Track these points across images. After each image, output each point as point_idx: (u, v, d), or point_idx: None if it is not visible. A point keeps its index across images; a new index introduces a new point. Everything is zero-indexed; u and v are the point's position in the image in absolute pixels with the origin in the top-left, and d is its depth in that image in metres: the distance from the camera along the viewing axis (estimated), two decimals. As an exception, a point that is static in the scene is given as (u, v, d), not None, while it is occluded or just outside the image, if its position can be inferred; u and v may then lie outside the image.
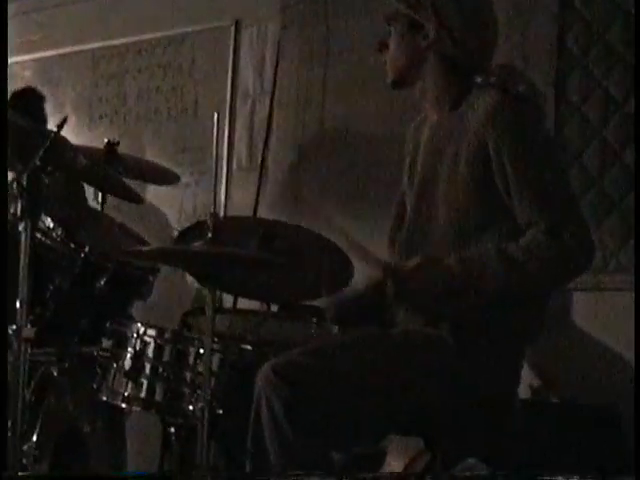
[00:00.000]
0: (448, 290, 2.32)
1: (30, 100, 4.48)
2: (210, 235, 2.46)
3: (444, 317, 2.39)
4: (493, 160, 2.36)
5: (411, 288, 2.35)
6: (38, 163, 2.61)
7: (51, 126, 4.19)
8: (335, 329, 3.04)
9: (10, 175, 3.01)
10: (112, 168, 3.62)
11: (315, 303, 3.33)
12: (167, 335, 2.83)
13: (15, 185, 2.58)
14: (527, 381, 3.30)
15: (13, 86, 5.10)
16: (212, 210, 2.50)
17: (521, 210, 2.34)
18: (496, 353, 2.39)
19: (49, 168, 2.65)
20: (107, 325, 2.96)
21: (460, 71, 2.50)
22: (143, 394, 2.80)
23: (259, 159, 4.44)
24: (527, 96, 2.43)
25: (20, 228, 2.58)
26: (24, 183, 2.56)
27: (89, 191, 4.09)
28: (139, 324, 2.86)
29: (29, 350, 2.57)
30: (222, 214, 4.13)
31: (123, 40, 5.01)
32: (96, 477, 2.97)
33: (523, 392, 2.74)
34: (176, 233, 3.15)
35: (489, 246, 2.35)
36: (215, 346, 2.67)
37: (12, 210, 2.73)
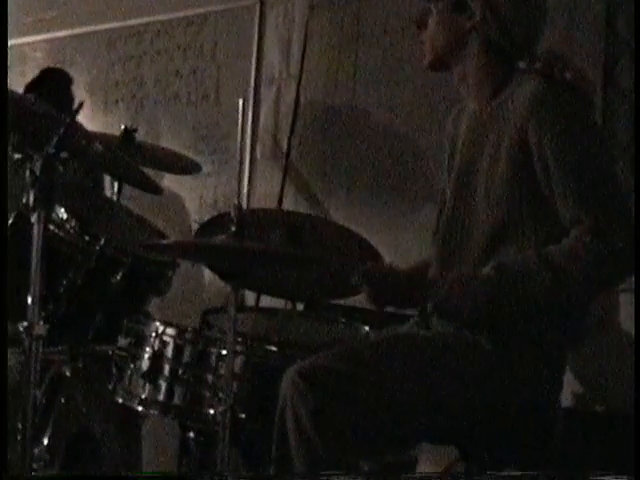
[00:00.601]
0: (488, 302, 2.32)
1: (56, 82, 4.51)
2: (234, 228, 2.46)
3: (484, 323, 2.38)
4: (534, 152, 2.34)
5: (450, 307, 2.36)
6: (52, 150, 2.62)
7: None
8: (365, 330, 3.05)
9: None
10: (129, 156, 3.63)
11: (343, 302, 3.34)
12: (187, 334, 2.83)
13: (28, 174, 2.59)
14: (569, 388, 3.29)
15: (23, 68, 5.15)
16: (236, 201, 2.51)
17: (564, 207, 2.31)
18: (536, 359, 2.38)
19: (63, 156, 2.67)
20: (123, 323, 2.97)
21: (503, 56, 2.48)
22: (161, 397, 2.81)
23: (285, 148, 4.45)
24: (574, 84, 2.41)
25: (32, 219, 2.58)
26: (37, 172, 2.57)
27: (105, 181, 4.13)
28: (157, 322, 2.87)
29: (41, 348, 2.58)
30: (245, 206, 4.14)
31: (141, 20, 5.03)
32: (105, 477, 2.98)
33: (565, 400, 2.73)
34: (196, 226, 3.16)
35: (529, 251, 2.34)
36: (238, 347, 2.68)
37: (24, 200, 2.74)
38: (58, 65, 5.06)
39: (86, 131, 3.13)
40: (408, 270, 2.62)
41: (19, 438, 2.54)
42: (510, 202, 2.39)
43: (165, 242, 3.09)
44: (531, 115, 2.35)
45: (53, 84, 4.49)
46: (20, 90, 4.35)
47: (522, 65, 2.49)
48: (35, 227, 2.57)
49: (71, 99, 4.48)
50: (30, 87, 4.52)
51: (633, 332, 3.51)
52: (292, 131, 4.42)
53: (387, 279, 2.48)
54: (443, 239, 2.54)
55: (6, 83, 3.21)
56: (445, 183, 2.66)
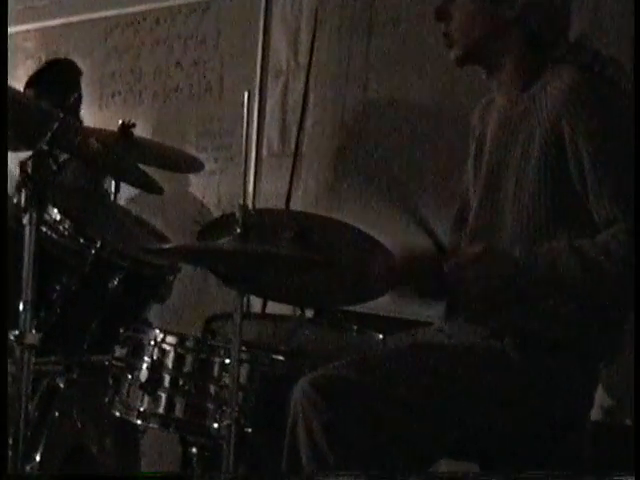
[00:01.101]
0: (512, 285, 2.31)
1: (63, 75, 4.52)
2: (239, 230, 2.47)
3: (506, 327, 2.38)
4: (568, 147, 2.34)
5: (472, 276, 2.32)
6: (45, 147, 2.63)
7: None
8: (380, 337, 3.05)
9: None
10: (126, 153, 3.64)
11: (356, 308, 3.34)
12: (189, 343, 2.84)
13: (19, 172, 2.59)
14: (598, 400, 3.29)
15: (14, 59, 5.16)
16: (241, 202, 2.51)
17: (599, 206, 2.32)
18: (567, 372, 2.38)
19: (57, 153, 2.68)
20: (121, 331, 2.97)
21: (541, 46, 2.48)
22: (161, 409, 2.81)
23: (293, 144, 4.45)
24: (610, 74, 2.40)
25: (24, 220, 2.59)
26: (29, 170, 2.58)
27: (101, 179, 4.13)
28: (157, 330, 2.88)
29: (33, 359, 2.59)
30: (251, 206, 4.14)
31: (139, 8, 5.04)
32: (105, 477, 2.99)
33: (593, 413, 2.73)
34: (199, 227, 3.17)
35: (561, 242, 2.34)
36: (243, 356, 2.68)
37: (15, 200, 2.75)
38: (50, 56, 5.08)
39: (81, 127, 3.15)
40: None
41: (10, 454, 2.55)
42: (542, 201, 2.39)
43: (167, 246, 3.09)
44: (565, 108, 2.34)
45: (59, 77, 4.50)
46: (15, 83, 4.37)
47: (556, 53, 2.47)
48: (27, 229, 2.58)
49: (79, 94, 4.50)
50: (33, 79, 4.54)
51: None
52: (301, 126, 4.42)
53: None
54: (470, 241, 2.55)
55: (6, 81, 3.23)
56: (469, 182, 2.66)
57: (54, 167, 2.64)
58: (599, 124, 2.33)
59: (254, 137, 4.50)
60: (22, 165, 2.59)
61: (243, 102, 2.61)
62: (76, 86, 4.52)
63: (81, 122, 4.38)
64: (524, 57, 2.49)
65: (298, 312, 3.66)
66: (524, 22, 2.46)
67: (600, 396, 3.29)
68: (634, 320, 2.55)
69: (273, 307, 3.89)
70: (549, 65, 2.46)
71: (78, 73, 4.59)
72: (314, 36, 4.43)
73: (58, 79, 4.50)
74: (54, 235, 3.30)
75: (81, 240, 3.32)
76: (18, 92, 3.15)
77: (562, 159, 2.36)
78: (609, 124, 2.34)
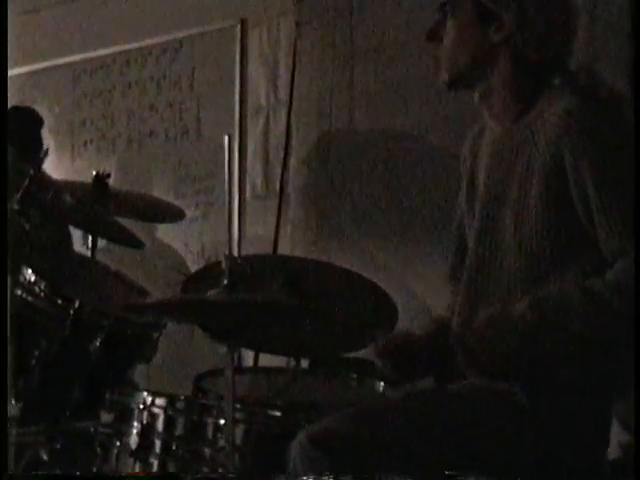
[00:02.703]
0: (523, 343, 2.33)
1: (23, 124, 4.52)
2: (226, 281, 2.47)
3: (512, 370, 2.38)
4: (571, 177, 2.34)
5: (481, 351, 2.35)
6: (16, 207, 2.64)
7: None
8: (381, 387, 3.06)
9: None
10: (102, 207, 3.65)
11: (354, 355, 3.34)
12: (179, 404, 2.83)
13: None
14: (615, 438, 3.29)
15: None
16: (226, 251, 2.51)
17: (606, 238, 2.31)
18: (579, 412, 2.38)
19: (30, 211, 2.69)
20: (106, 395, 2.97)
21: (534, 71, 2.49)
22: (153, 476, 2.81)
23: (277, 184, 4.46)
24: (611, 101, 2.41)
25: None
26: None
27: (75, 234, 4.13)
28: (145, 392, 2.88)
29: (13, 430, 2.58)
30: (237, 253, 4.15)
31: (107, 50, 5.06)
32: (105, 477, 2.97)
33: (610, 450, 2.73)
34: (183, 279, 3.17)
35: (569, 285, 2.35)
36: (237, 414, 2.68)
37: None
38: (17, 104, 5.08)
39: (53, 181, 3.15)
40: (427, 333, 2.62)
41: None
42: (545, 235, 2.38)
43: (149, 302, 3.09)
44: (567, 135, 2.34)
45: (19, 125, 4.50)
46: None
47: (556, 81, 2.49)
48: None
49: (40, 144, 4.49)
50: None
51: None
52: (285, 165, 4.44)
53: (405, 353, 2.53)
54: (468, 284, 2.54)
55: (6, 81, 3.23)
56: (463, 217, 2.67)
57: (27, 226, 2.64)
58: (604, 152, 2.32)
59: (236, 179, 4.52)
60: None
61: (223, 143, 2.62)
62: (38, 137, 4.50)
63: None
64: (516, 82, 2.50)
65: (293, 363, 3.66)
66: (512, 45, 2.48)
67: (618, 434, 3.29)
68: (634, 322, 2.57)
69: (266, 359, 3.88)
70: (545, 91, 2.48)
71: (40, 123, 4.59)
72: (293, 69, 4.45)
73: (19, 128, 4.50)
74: (29, 297, 3.29)
75: (58, 301, 3.32)
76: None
77: (564, 190, 2.35)
78: (614, 152, 2.34)
